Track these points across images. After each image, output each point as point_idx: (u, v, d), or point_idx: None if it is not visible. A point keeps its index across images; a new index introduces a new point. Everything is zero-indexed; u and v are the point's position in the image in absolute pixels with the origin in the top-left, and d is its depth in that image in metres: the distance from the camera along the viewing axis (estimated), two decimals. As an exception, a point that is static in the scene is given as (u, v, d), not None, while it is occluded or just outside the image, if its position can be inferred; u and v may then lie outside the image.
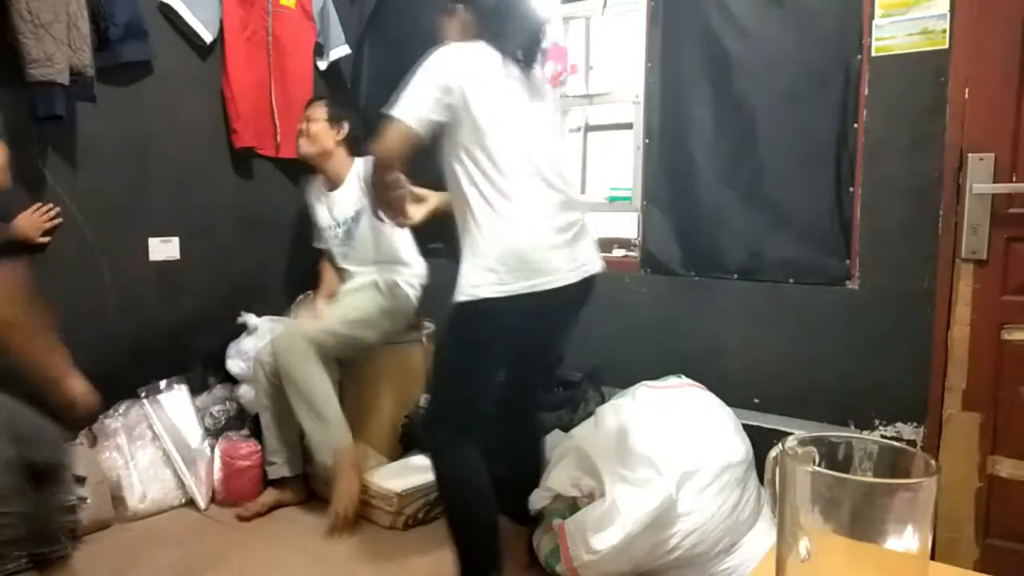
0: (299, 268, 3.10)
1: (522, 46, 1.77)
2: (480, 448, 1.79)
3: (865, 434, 1.89)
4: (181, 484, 2.53)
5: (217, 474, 2.58)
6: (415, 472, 2.45)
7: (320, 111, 2.65)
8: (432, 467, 1.85)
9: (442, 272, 2.21)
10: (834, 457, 0.67)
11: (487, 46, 1.73)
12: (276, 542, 2.32)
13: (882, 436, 2.05)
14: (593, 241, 1.86)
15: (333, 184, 2.70)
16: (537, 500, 2.07)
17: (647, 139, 2.49)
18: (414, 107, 1.65)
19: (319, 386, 2.38)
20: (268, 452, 2.53)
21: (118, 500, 2.40)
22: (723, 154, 2.32)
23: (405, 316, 2.67)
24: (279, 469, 2.52)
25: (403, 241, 2.65)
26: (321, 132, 2.63)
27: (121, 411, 2.52)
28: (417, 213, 2.10)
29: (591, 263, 1.80)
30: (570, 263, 1.73)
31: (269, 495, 2.53)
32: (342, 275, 2.77)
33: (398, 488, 2.35)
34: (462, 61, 1.70)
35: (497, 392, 1.90)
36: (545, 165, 1.72)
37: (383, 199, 1.84)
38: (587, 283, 1.78)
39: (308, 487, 2.61)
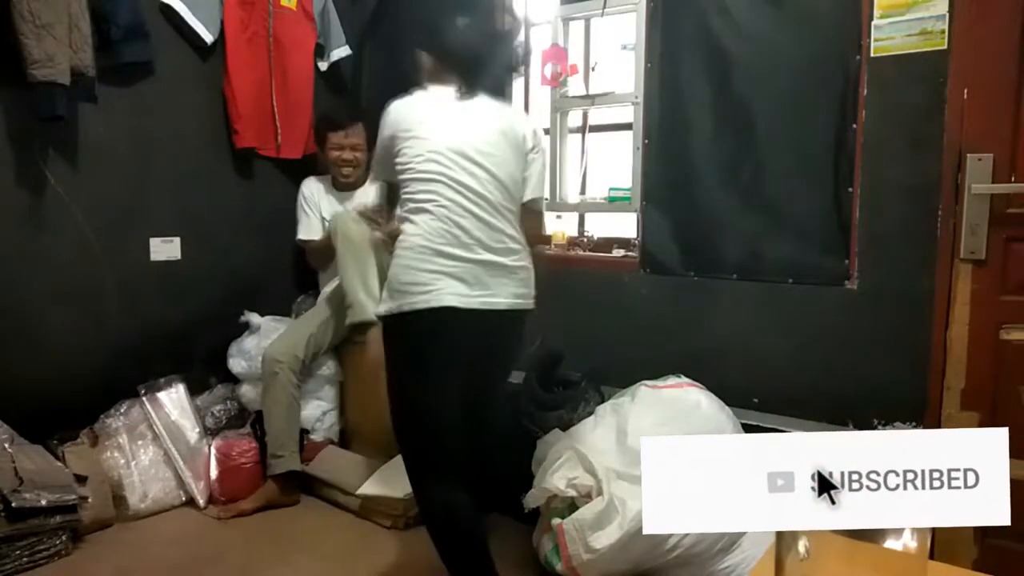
0: (300, 267, 3.11)
1: (492, 77, 1.84)
2: (449, 479, 1.74)
3: (864, 434, 1.89)
4: (182, 483, 2.54)
5: (213, 472, 2.59)
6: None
7: (360, 138, 2.73)
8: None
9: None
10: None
11: (434, 91, 1.81)
12: (277, 540, 2.32)
13: (881, 436, 2.05)
14: (520, 282, 1.78)
15: (353, 186, 2.72)
16: (535, 499, 2.08)
17: (647, 139, 2.50)
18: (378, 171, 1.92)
19: (371, 266, 2.45)
20: (274, 447, 2.53)
21: (119, 499, 2.40)
22: (722, 154, 2.32)
23: None
24: (286, 462, 2.52)
25: None
26: (363, 157, 2.73)
27: (123, 411, 2.53)
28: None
29: (504, 301, 1.73)
30: (464, 290, 1.67)
31: (253, 500, 2.51)
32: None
33: (400, 494, 2.35)
34: (394, 117, 1.81)
35: (449, 421, 1.78)
36: (462, 200, 1.70)
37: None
38: (498, 317, 1.72)
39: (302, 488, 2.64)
